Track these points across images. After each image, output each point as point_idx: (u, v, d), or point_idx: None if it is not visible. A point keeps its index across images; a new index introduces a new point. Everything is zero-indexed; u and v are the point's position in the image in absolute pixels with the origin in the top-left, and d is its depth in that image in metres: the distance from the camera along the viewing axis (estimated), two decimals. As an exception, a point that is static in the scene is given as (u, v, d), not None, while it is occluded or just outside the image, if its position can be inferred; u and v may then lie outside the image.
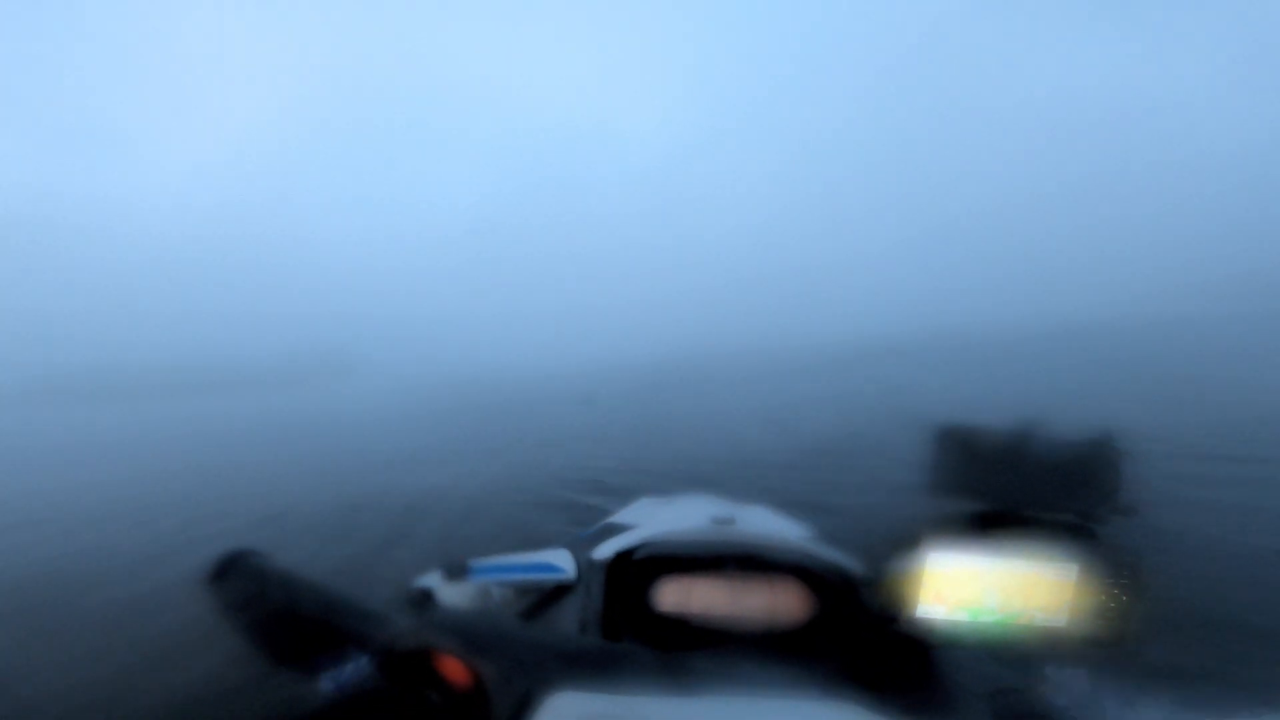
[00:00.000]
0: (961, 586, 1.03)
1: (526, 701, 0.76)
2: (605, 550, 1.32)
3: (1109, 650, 1.01)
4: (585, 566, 1.33)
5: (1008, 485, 1.06)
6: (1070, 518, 1.05)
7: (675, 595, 1.22)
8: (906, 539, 1.05)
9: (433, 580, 1.44)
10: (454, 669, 0.79)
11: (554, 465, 9.85)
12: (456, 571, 1.43)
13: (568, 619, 1.28)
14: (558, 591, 1.40)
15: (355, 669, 0.81)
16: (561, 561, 1.44)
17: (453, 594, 1.42)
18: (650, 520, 1.50)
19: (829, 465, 9.30)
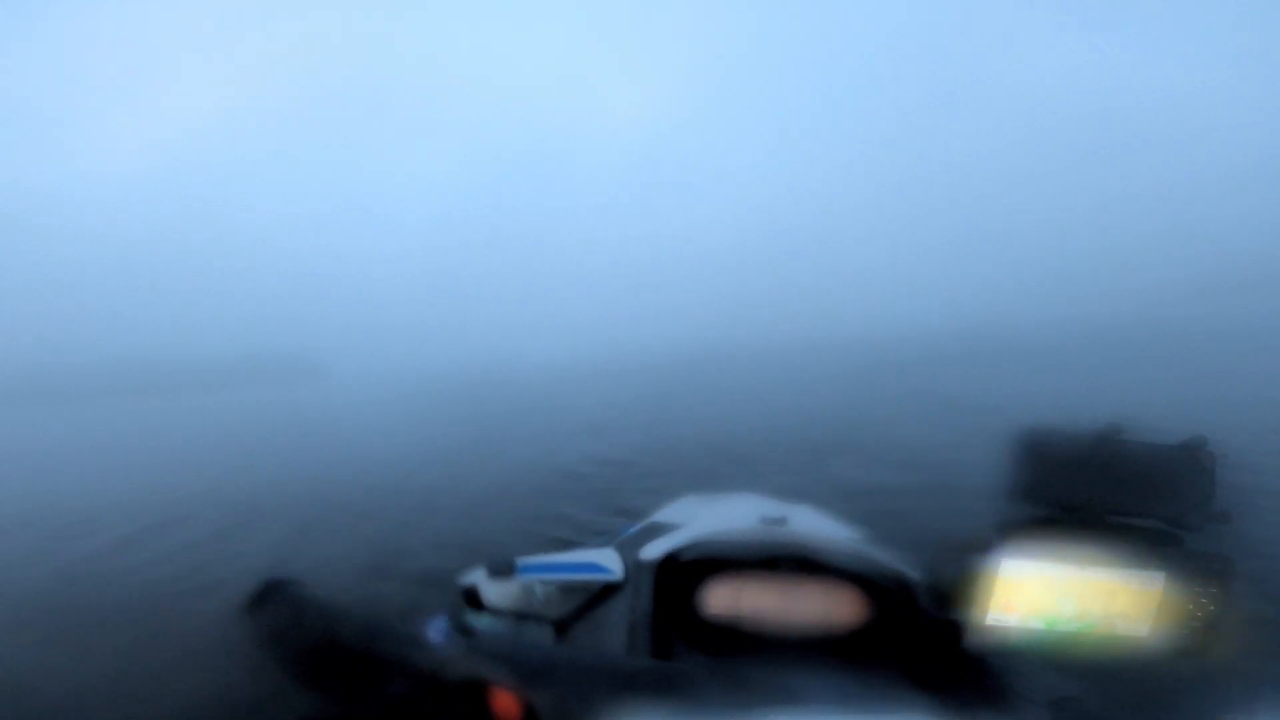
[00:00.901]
0: (1037, 594, 0.99)
1: None
2: (653, 550, 1.29)
3: (1195, 662, 0.97)
4: (633, 567, 1.31)
5: (1092, 490, 1.02)
6: (1157, 524, 1.01)
7: (726, 598, 1.19)
8: (976, 544, 1.01)
9: (478, 578, 1.40)
10: (504, 701, 0.77)
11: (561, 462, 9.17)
12: (502, 570, 1.39)
13: (615, 621, 1.25)
14: (605, 592, 1.36)
15: (400, 699, 0.80)
16: (608, 561, 1.40)
17: (497, 592, 1.39)
18: (696, 519, 1.48)
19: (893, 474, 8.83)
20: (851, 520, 1.60)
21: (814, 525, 1.43)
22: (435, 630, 1.35)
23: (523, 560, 1.41)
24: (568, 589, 1.40)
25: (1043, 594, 0.99)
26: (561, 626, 1.38)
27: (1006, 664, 1.09)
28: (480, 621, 1.43)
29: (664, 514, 1.73)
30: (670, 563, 1.24)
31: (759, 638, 1.16)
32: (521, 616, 1.42)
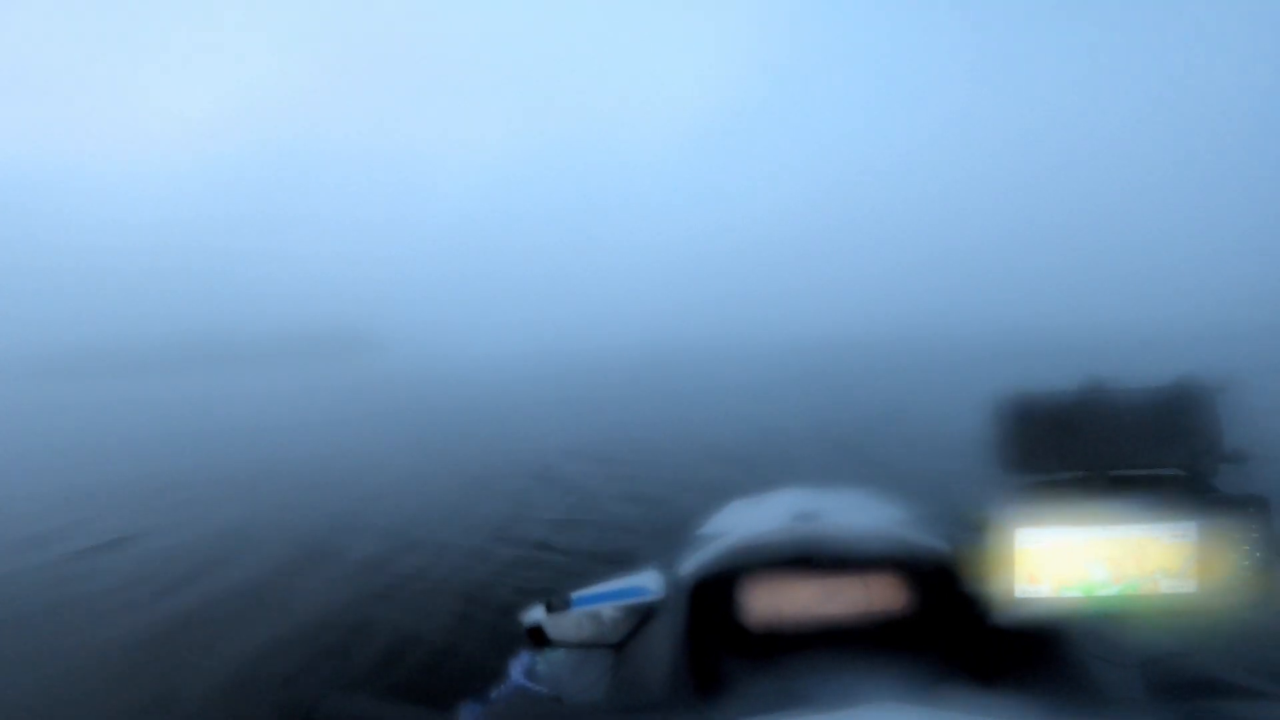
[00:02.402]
0: (1064, 561, 0.94)
1: None
2: (687, 567, 1.32)
3: (1254, 612, 0.91)
4: (671, 585, 1.34)
5: (1087, 447, 0.95)
6: (1174, 471, 0.94)
7: (764, 603, 1.21)
8: (986, 517, 0.96)
9: (538, 615, 1.48)
10: None
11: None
12: (559, 604, 1.47)
13: (659, 640, 1.27)
14: (652, 611, 1.40)
15: None
16: (650, 583, 1.45)
17: (561, 627, 1.46)
18: (735, 526, 1.48)
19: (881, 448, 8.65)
20: (900, 497, 1.56)
21: (851, 513, 1.42)
22: (518, 670, 1.43)
23: (577, 594, 1.49)
24: (629, 611, 1.44)
25: (1069, 561, 0.94)
26: (620, 649, 1.43)
27: (1063, 632, 1.05)
28: (549, 658, 1.48)
29: (709, 525, 1.73)
30: (703, 576, 1.26)
31: (803, 637, 1.17)
32: (586, 645, 1.46)
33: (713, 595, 1.24)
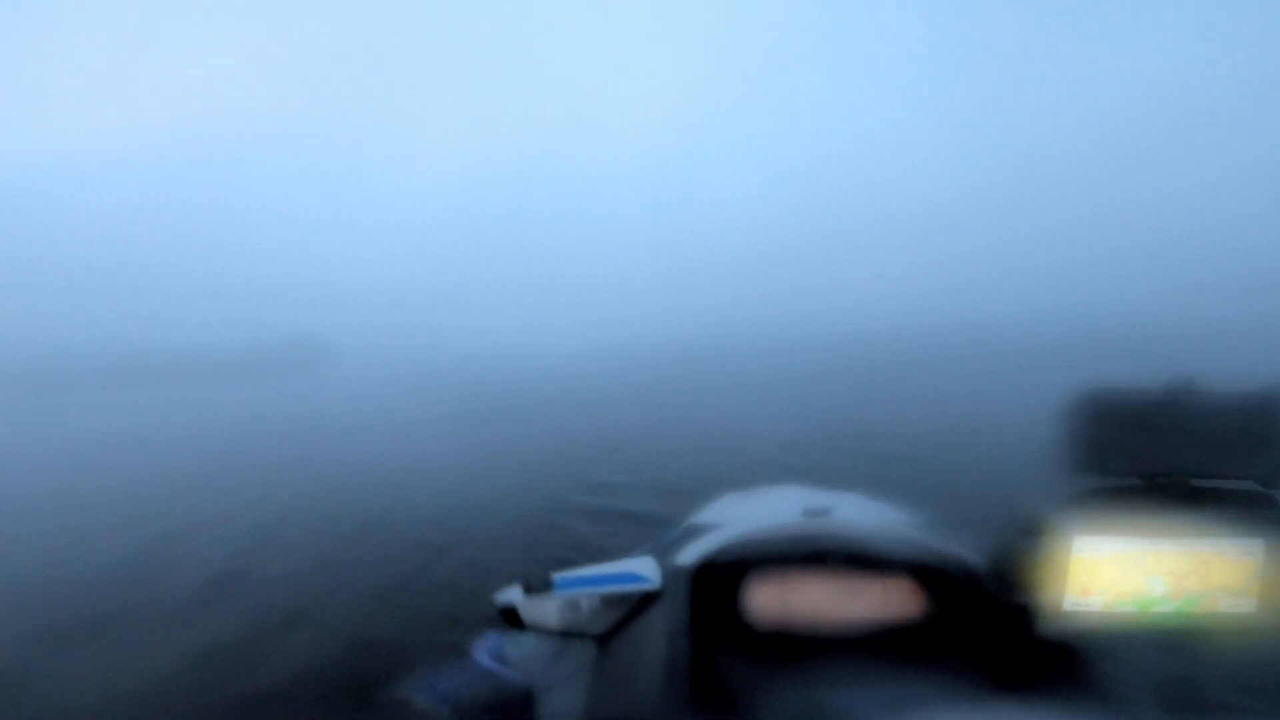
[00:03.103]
0: (1120, 573, 0.88)
1: None
2: (690, 555, 1.23)
3: None
4: (670, 574, 1.25)
5: (1169, 452, 0.90)
6: (1249, 485, 0.89)
7: (770, 600, 1.13)
8: (1044, 522, 0.90)
9: (514, 596, 1.35)
10: None
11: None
12: (538, 586, 1.34)
13: (654, 632, 1.17)
14: (645, 601, 1.30)
15: None
16: (646, 570, 1.34)
17: (536, 610, 1.34)
18: (736, 518, 1.42)
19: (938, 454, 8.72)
20: (907, 502, 1.51)
21: (862, 513, 1.37)
22: (484, 651, 1.34)
23: (559, 575, 1.36)
24: (610, 601, 1.35)
25: (1127, 573, 0.88)
26: (604, 640, 1.33)
27: (1094, 649, 1.00)
28: (521, 642, 1.38)
29: (703, 515, 1.66)
30: (708, 567, 1.18)
31: (809, 639, 1.09)
32: (564, 633, 1.36)
33: (717, 587, 1.15)
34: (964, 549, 1.15)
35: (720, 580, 1.16)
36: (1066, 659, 0.99)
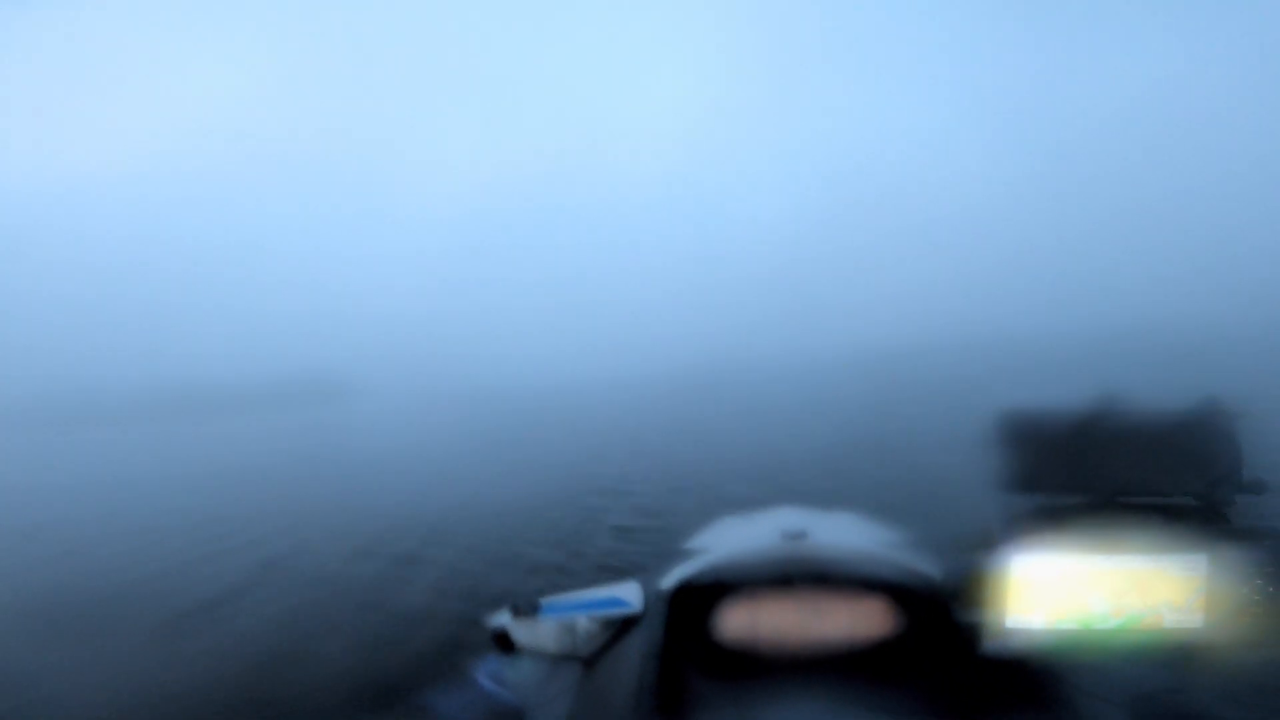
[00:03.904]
0: (1061, 590, 0.89)
1: None
2: (669, 579, 1.26)
3: (1258, 650, 0.87)
4: (651, 598, 1.29)
5: (1097, 470, 0.91)
6: (1187, 500, 0.90)
7: (741, 620, 1.15)
8: (983, 540, 0.93)
9: (504, 619, 1.40)
10: None
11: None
12: (527, 610, 1.39)
13: (632, 654, 1.21)
14: (629, 623, 1.34)
15: None
16: (629, 594, 1.39)
17: (528, 633, 1.39)
18: (722, 542, 1.42)
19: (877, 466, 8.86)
20: (895, 521, 1.50)
21: (842, 534, 1.35)
22: (483, 674, 1.39)
23: (546, 600, 1.42)
24: (602, 624, 1.38)
25: (1068, 590, 0.89)
26: (590, 662, 1.37)
27: (1051, 666, 0.99)
28: (514, 665, 1.42)
29: (695, 540, 1.67)
30: (685, 590, 1.21)
31: (778, 659, 1.11)
32: (558, 656, 1.39)
33: (689, 609, 1.19)
34: (934, 568, 1.15)
35: (694, 603, 1.19)
36: (1022, 676, 0.99)
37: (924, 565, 1.16)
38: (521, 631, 1.39)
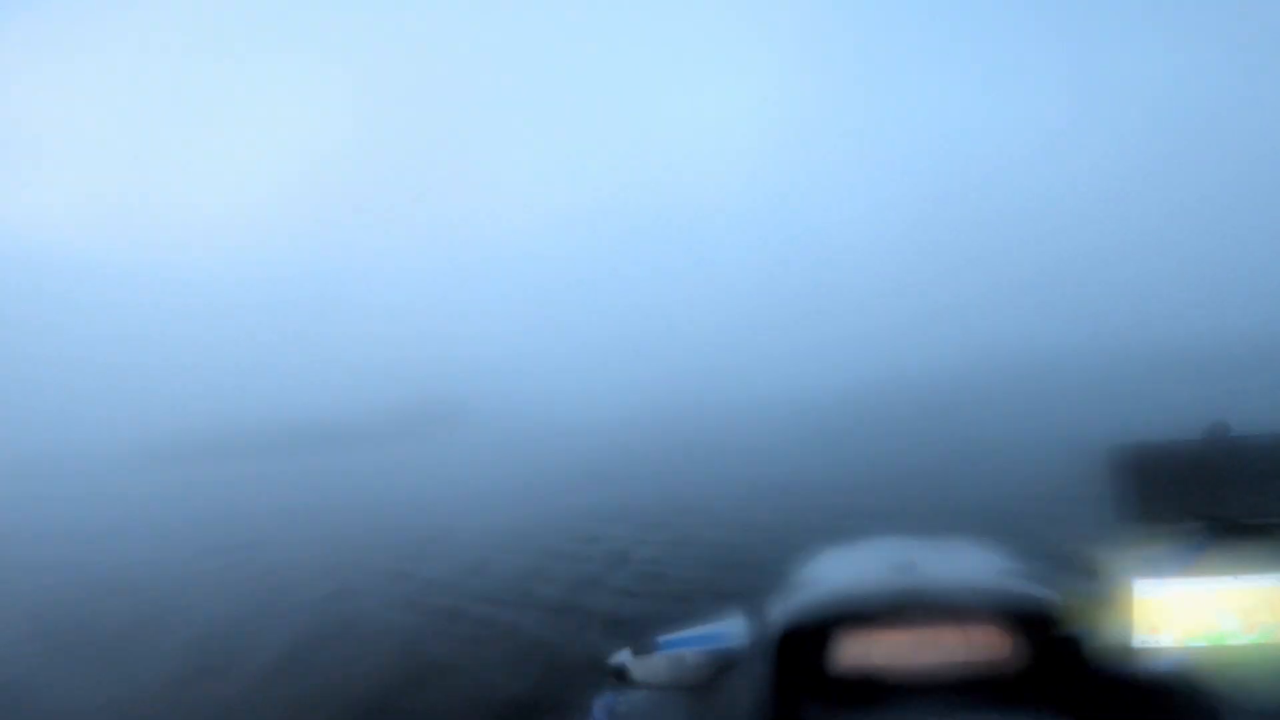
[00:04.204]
0: (1189, 611, 0.92)
1: None
2: (776, 614, 1.29)
3: None
4: (760, 630, 1.32)
5: (1217, 495, 0.94)
6: None
7: (855, 652, 1.17)
8: (1106, 563, 0.97)
9: (624, 658, 1.51)
10: None
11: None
12: (644, 648, 1.50)
13: (742, 687, 1.26)
14: (737, 657, 1.39)
15: None
16: (735, 629, 1.44)
17: (643, 669, 1.47)
18: (827, 574, 1.47)
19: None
20: (1007, 545, 1.45)
21: (950, 563, 1.37)
22: (600, 709, 1.47)
23: (662, 637, 1.50)
24: (712, 657, 1.43)
25: (1196, 609, 0.92)
26: (700, 694, 1.44)
27: (1184, 683, 0.99)
28: (629, 698, 1.50)
29: (799, 571, 1.72)
30: (794, 625, 1.24)
31: (896, 689, 1.13)
32: (670, 689, 1.46)
33: (802, 645, 1.22)
34: (1048, 592, 1.15)
35: (805, 638, 1.21)
36: (1156, 695, 1.00)
37: (1038, 589, 1.16)
38: (638, 667, 1.47)
